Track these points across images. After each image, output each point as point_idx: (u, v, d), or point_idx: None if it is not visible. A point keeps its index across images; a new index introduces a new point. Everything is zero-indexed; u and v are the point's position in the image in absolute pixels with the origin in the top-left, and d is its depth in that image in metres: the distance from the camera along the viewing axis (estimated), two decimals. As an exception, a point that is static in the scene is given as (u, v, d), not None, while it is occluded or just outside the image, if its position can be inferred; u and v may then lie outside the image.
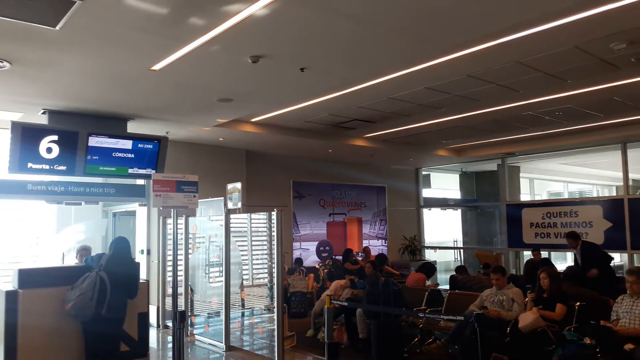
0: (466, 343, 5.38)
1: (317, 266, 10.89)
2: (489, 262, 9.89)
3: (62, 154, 6.56)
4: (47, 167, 6.53)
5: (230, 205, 7.07)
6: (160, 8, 3.87)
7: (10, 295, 4.73)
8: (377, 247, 12.99)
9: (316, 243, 11.89)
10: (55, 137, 6.50)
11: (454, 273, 8.98)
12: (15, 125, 6.23)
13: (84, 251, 6.38)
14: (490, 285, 6.31)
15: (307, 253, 11.68)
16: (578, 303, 5.72)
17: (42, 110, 6.74)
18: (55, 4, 3.70)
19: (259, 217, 8.06)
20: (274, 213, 6.23)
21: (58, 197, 7.02)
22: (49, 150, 6.49)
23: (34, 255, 9.39)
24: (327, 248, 11.99)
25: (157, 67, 5.11)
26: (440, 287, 8.75)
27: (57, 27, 4.09)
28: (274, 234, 6.18)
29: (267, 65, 5.12)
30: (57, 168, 6.61)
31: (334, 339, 6.42)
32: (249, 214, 8.04)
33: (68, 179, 7.03)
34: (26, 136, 6.29)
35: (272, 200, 9.19)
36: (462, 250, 14.41)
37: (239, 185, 7.02)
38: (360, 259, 10.96)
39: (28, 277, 4.94)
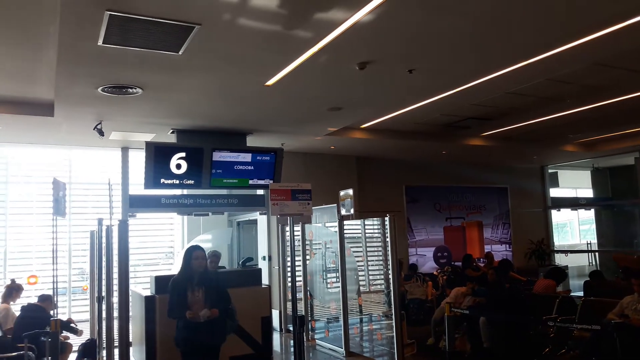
0: (604, 354, 4.90)
1: (435, 272, 10.59)
2: (629, 266, 8.91)
3: (190, 169, 7.10)
4: (177, 182, 7.10)
5: (343, 212, 7.15)
6: (271, 25, 4.04)
7: (149, 300, 5.20)
8: (500, 252, 12.31)
9: (433, 249, 11.58)
10: (183, 154, 7.05)
11: (587, 279, 8.24)
12: (149, 145, 6.87)
13: (214, 257, 6.81)
14: (631, 292, 5.70)
15: (424, 259, 11.40)
16: None
17: (171, 130, 7.35)
18: (177, 31, 4.03)
19: (372, 223, 8.05)
20: (387, 218, 6.18)
21: (188, 209, 7.60)
22: (179, 166, 7.05)
23: (168, 263, 10.28)
24: (445, 254, 11.61)
25: (270, 82, 5.34)
26: (572, 294, 8.06)
27: (180, 52, 4.45)
28: (388, 239, 6.12)
29: (375, 70, 5.11)
30: (186, 182, 7.16)
31: (456, 347, 6.19)
32: (362, 219, 8.07)
33: (196, 192, 7.59)
34: (158, 154, 6.90)
35: (384, 206, 9.12)
36: (597, 254, 13.16)
37: (350, 191, 7.08)
38: (482, 265, 10.47)
39: (163, 284, 5.40)
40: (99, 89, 5.38)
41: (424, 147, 9.82)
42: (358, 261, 8.04)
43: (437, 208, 11.79)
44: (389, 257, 6.23)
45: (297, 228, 7.76)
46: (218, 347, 4.58)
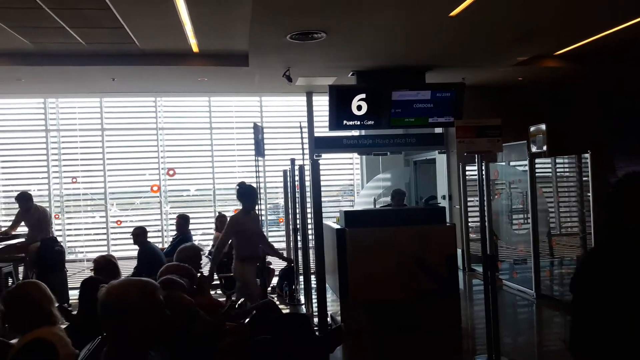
0: None
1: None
2: None
3: (370, 110, 7.22)
4: (358, 123, 7.30)
5: (534, 149, 6.67)
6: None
7: (340, 233, 5.57)
8: None
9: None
10: (364, 95, 7.18)
11: None
12: (332, 89, 7.13)
13: (401, 195, 7.00)
14: None
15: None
16: None
17: (351, 72, 7.51)
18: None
19: (564, 161, 7.39)
20: (585, 155, 5.62)
21: (367, 149, 7.84)
22: (359, 107, 7.22)
23: (348, 200, 10.87)
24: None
25: (455, 12, 5.07)
26: None
27: (364, -8, 4.46)
28: (588, 179, 5.59)
29: (576, -11, 4.53)
30: (366, 123, 7.32)
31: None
32: (553, 157, 7.44)
33: (375, 132, 7.75)
34: (340, 97, 7.14)
35: (583, 142, 8.23)
36: None
37: (543, 126, 6.55)
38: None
39: (352, 218, 5.73)
40: (288, 37, 5.70)
41: (634, 73, 8.49)
42: (548, 202, 7.50)
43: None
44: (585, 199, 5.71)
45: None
46: None
